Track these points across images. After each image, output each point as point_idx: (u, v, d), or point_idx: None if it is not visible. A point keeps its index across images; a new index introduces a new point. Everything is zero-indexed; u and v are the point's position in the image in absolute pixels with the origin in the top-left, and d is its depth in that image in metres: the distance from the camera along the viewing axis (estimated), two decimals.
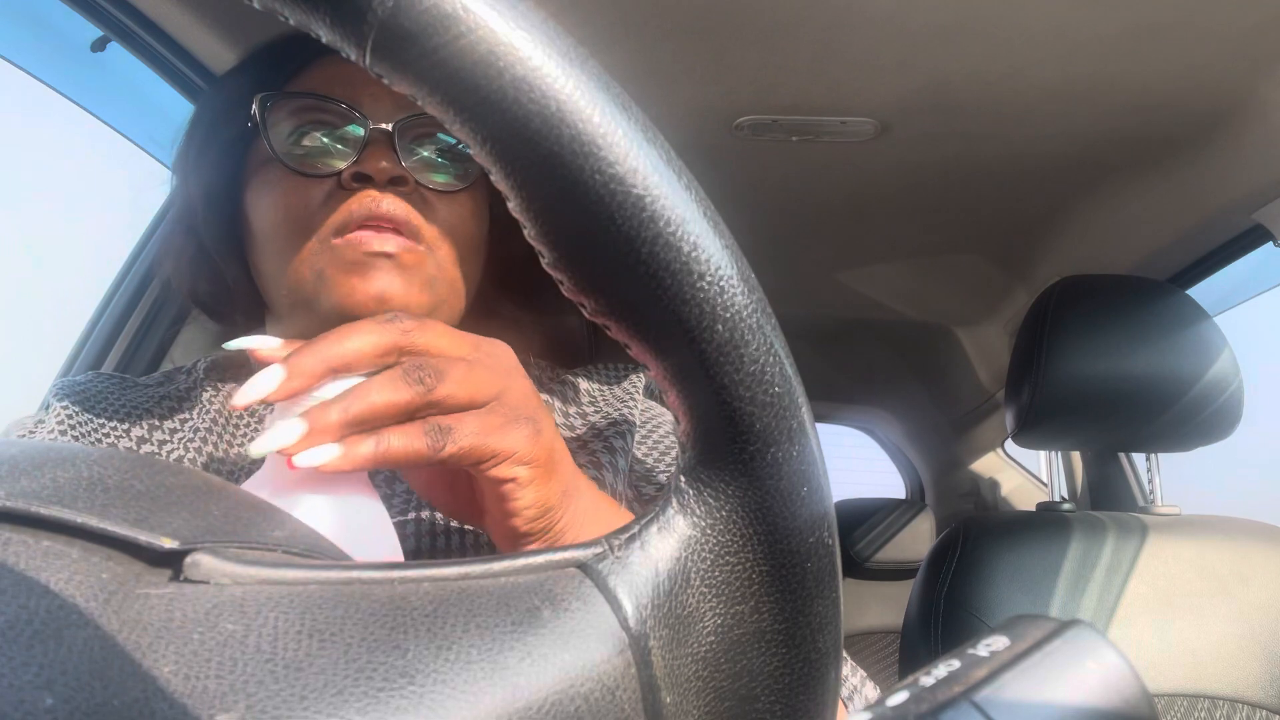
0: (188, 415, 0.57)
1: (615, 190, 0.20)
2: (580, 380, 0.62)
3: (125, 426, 0.55)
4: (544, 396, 0.61)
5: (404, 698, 0.18)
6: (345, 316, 0.48)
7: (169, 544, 0.20)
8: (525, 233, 0.21)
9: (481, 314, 0.62)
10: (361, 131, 0.52)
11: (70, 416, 0.54)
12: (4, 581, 0.17)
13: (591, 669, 0.20)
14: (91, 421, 0.55)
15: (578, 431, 0.58)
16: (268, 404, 0.35)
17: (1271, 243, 1.10)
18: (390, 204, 0.50)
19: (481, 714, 0.18)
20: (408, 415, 0.35)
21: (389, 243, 0.50)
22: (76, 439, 0.53)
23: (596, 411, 0.59)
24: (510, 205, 0.21)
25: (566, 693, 0.19)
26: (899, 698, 0.17)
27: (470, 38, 0.19)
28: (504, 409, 0.37)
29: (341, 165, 0.51)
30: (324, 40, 0.20)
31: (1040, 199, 1.27)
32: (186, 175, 0.59)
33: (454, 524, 0.50)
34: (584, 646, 0.20)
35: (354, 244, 0.50)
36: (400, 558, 0.38)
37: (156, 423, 0.56)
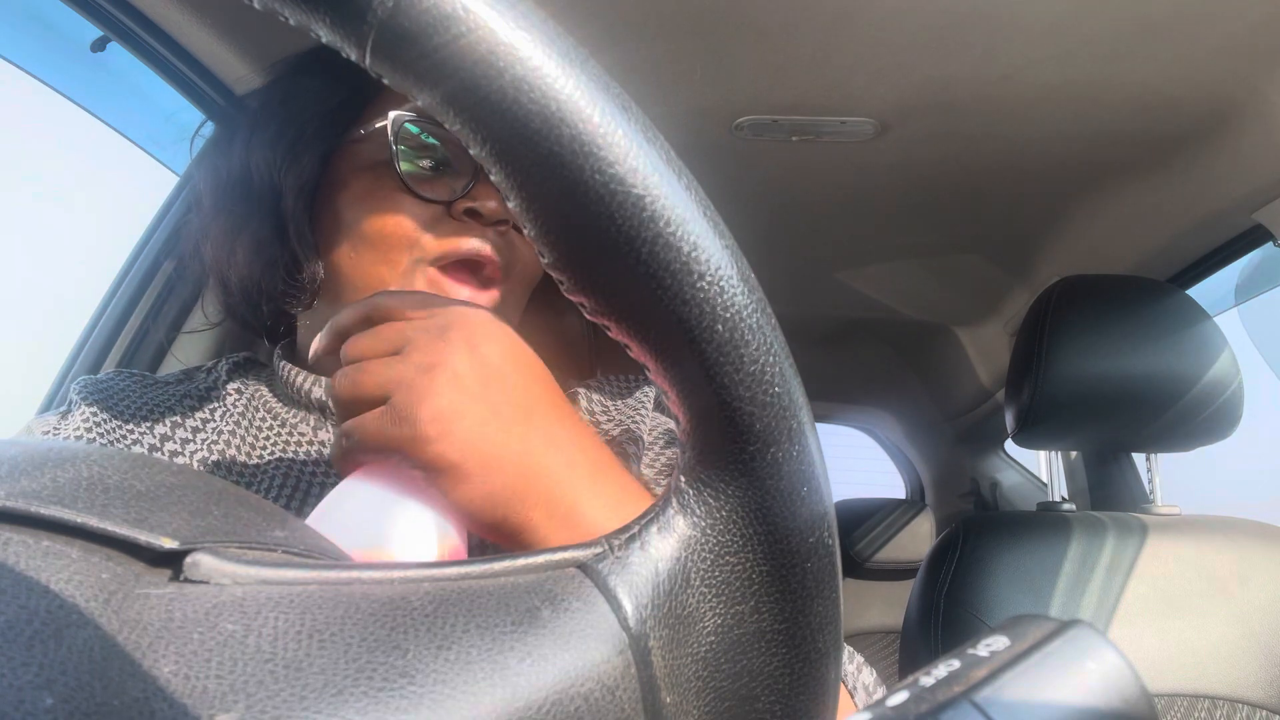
0: (209, 416, 0.58)
1: (615, 190, 0.20)
2: (593, 393, 0.63)
3: (148, 424, 0.56)
4: None
5: (404, 698, 0.18)
6: None
7: (169, 544, 0.20)
8: (525, 232, 0.21)
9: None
10: (471, 166, 0.55)
11: (94, 415, 0.55)
12: (4, 581, 0.17)
13: (591, 669, 0.20)
14: (114, 420, 0.55)
15: None
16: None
17: (1271, 243, 1.10)
18: (494, 248, 0.55)
19: (481, 714, 0.18)
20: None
21: (482, 298, 0.55)
22: (100, 437, 0.54)
23: (609, 421, 0.60)
24: (510, 205, 0.21)
25: (566, 693, 0.19)
26: (899, 698, 0.17)
27: (470, 38, 0.19)
28: (394, 408, 0.37)
29: (450, 194, 0.55)
30: (324, 40, 0.20)
31: (1040, 199, 1.27)
32: (274, 165, 0.58)
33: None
34: (584, 646, 0.20)
35: (454, 286, 0.55)
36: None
37: (179, 420, 0.57)
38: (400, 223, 0.54)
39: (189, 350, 1.07)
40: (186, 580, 0.19)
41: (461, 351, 0.39)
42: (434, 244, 0.54)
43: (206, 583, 0.19)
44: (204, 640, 0.18)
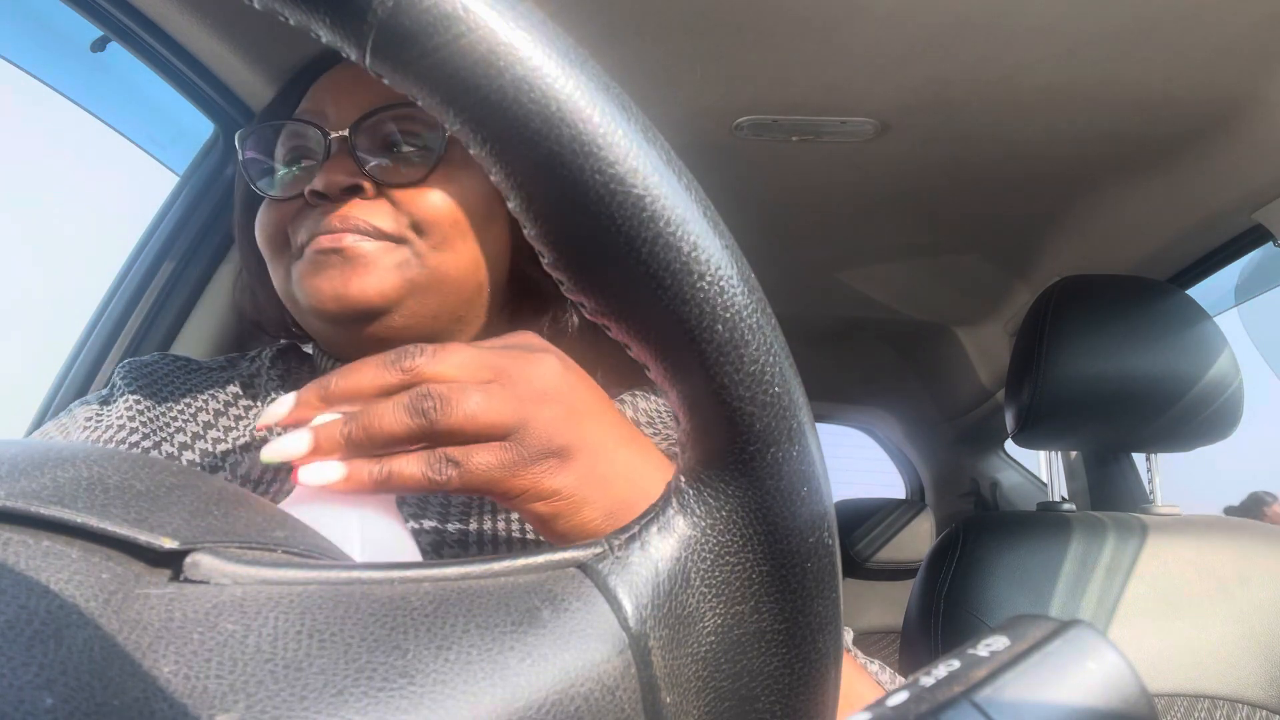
0: (252, 403, 0.59)
1: (615, 190, 0.20)
2: (639, 400, 0.61)
3: (191, 412, 0.57)
4: None
5: (404, 698, 0.18)
6: (321, 317, 0.52)
7: (169, 544, 0.20)
8: (525, 232, 0.21)
9: (554, 332, 0.62)
10: (322, 144, 0.53)
11: (137, 403, 0.56)
12: (4, 581, 0.17)
13: (591, 669, 0.20)
14: (158, 407, 0.56)
15: None
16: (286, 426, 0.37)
17: (1271, 243, 1.10)
18: (340, 218, 0.51)
19: (481, 714, 0.18)
20: (414, 442, 0.35)
21: (339, 240, 0.51)
22: (143, 425, 0.54)
23: (655, 434, 0.59)
24: (510, 205, 0.21)
25: (566, 693, 0.19)
26: (899, 698, 0.17)
27: (470, 38, 0.19)
28: (522, 444, 0.35)
29: (307, 183, 0.53)
30: (324, 40, 0.20)
31: (1040, 199, 1.27)
32: (236, 206, 0.63)
33: (458, 534, 0.50)
34: (584, 646, 0.20)
35: (313, 248, 0.52)
36: None
37: (221, 409, 0.57)
38: (267, 227, 0.55)
39: (191, 351, 1.07)
40: (186, 580, 0.19)
41: (563, 375, 0.38)
42: (297, 235, 0.53)
43: (206, 583, 0.19)
44: (204, 640, 0.18)
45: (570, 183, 0.20)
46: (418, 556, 0.37)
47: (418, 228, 0.53)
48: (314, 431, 0.35)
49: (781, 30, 0.87)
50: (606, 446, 0.38)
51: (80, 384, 1.03)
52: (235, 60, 0.90)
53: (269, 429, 0.42)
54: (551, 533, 0.37)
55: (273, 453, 0.35)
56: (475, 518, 0.51)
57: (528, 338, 0.41)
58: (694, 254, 0.20)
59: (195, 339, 1.07)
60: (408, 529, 0.38)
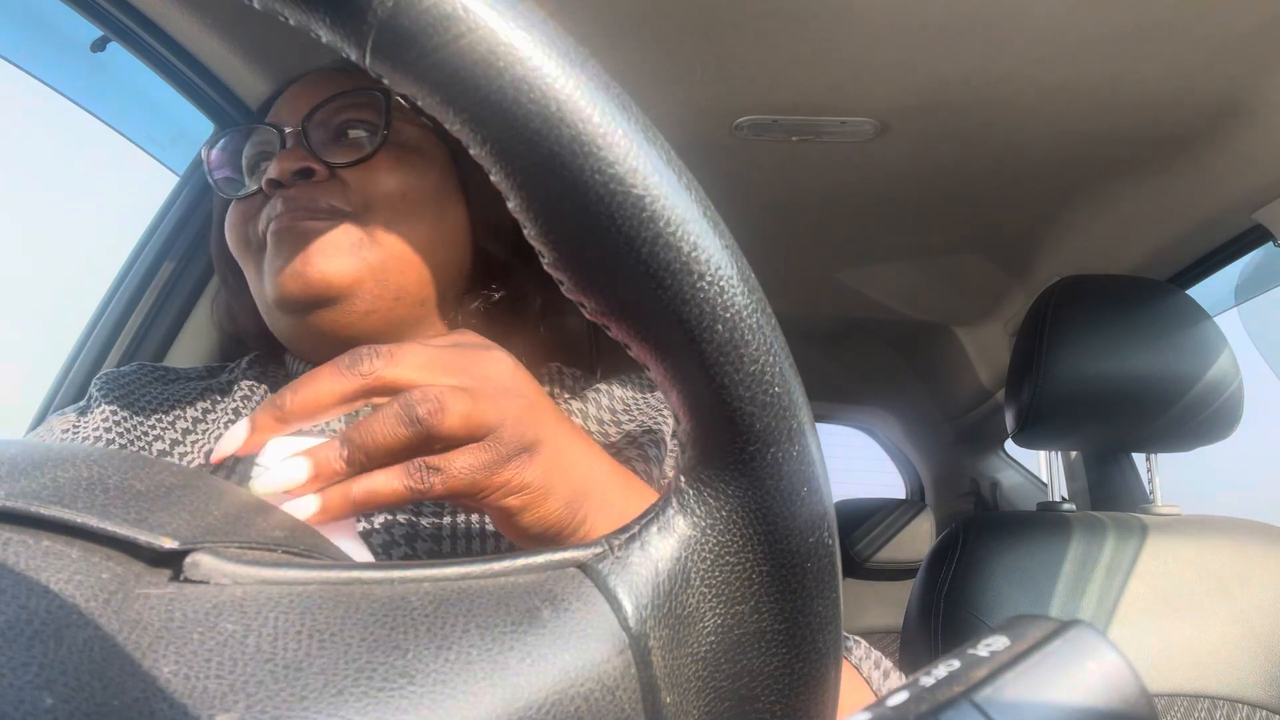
0: (228, 405, 0.59)
1: (615, 190, 0.20)
2: (615, 388, 0.62)
3: (169, 420, 0.57)
4: (576, 403, 0.61)
5: (404, 698, 0.18)
6: (284, 305, 0.53)
7: (169, 544, 0.20)
8: (525, 232, 0.21)
9: (506, 326, 0.62)
10: (277, 141, 0.56)
11: (114, 413, 0.56)
12: (4, 581, 0.17)
13: (591, 669, 0.20)
14: (135, 417, 0.56)
15: (612, 439, 0.58)
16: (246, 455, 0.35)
17: (1271, 243, 1.10)
18: (292, 199, 0.54)
19: (481, 714, 0.18)
20: (411, 453, 0.34)
21: (294, 219, 0.53)
22: (120, 436, 0.54)
23: (631, 420, 0.59)
24: (510, 205, 0.21)
25: (566, 693, 0.19)
26: (899, 698, 0.17)
27: (470, 38, 0.19)
28: (500, 442, 0.35)
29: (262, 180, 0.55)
30: (324, 40, 0.20)
31: (1040, 199, 1.27)
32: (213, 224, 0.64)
33: (432, 528, 0.50)
34: (584, 646, 0.20)
35: (270, 232, 0.54)
36: None
37: (200, 416, 0.58)
38: (234, 227, 0.57)
39: (191, 350, 1.07)
40: (186, 580, 0.19)
41: (515, 370, 0.38)
42: (259, 227, 0.56)
43: (206, 583, 0.19)
44: (204, 640, 0.18)
45: (570, 183, 0.20)
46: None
47: (367, 204, 0.55)
48: (311, 457, 0.33)
49: (781, 30, 0.87)
50: (560, 437, 0.38)
51: (80, 384, 1.02)
52: (235, 60, 0.90)
53: (226, 459, 0.39)
54: (515, 526, 0.37)
55: (266, 484, 0.32)
56: (448, 511, 0.51)
57: (471, 335, 0.41)
58: (694, 254, 0.20)
59: (195, 339, 1.07)
60: (364, 546, 0.38)
